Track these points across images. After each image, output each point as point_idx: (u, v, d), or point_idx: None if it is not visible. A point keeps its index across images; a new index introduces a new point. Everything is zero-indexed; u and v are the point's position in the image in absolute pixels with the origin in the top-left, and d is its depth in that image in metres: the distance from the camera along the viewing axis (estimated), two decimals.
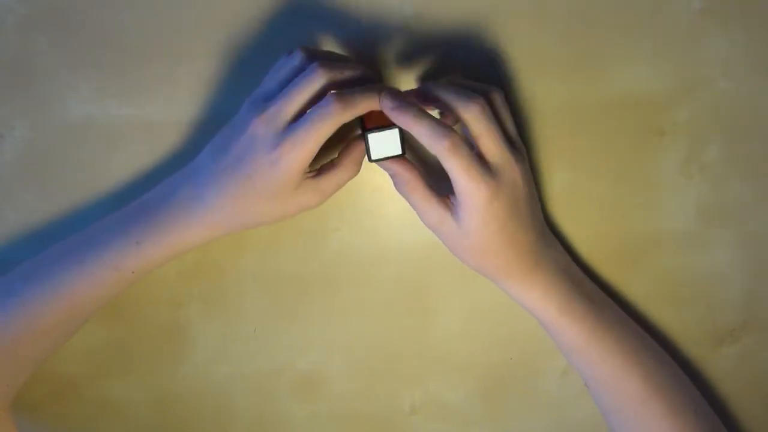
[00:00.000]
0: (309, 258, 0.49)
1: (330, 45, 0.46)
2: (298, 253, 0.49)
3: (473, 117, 0.39)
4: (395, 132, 0.41)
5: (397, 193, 0.47)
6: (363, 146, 0.42)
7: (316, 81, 0.39)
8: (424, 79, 0.47)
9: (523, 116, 0.47)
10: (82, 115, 0.46)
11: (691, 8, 0.46)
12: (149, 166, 0.47)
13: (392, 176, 0.43)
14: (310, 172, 0.41)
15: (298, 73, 0.40)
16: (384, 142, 0.41)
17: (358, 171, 0.43)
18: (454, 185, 0.40)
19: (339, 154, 0.43)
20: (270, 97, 0.40)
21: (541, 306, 0.44)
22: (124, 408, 0.51)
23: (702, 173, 0.49)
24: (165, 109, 0.46)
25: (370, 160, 0.41)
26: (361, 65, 0.41)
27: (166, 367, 0.50)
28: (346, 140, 0.44)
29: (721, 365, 0.52)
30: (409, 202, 0.43)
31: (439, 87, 0.41)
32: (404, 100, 0.39)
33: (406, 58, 0.46)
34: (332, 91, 0.39)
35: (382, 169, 0.48)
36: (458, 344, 0.51)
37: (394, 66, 0.46)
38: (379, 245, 0.49)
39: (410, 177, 0.42)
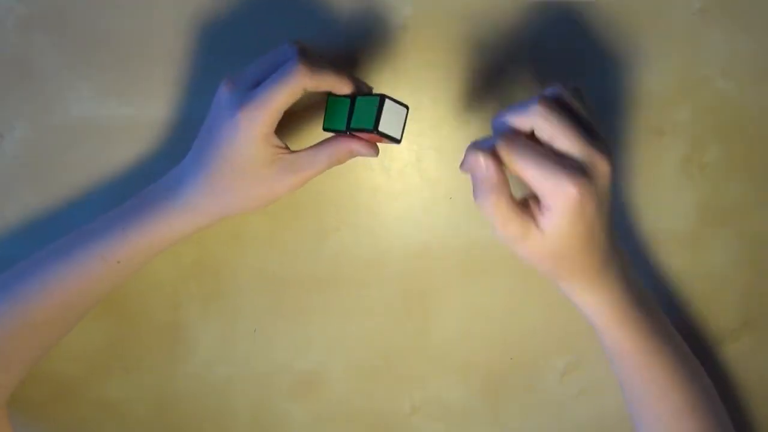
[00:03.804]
0: (309, 258, 0.49)
1: (329, 44, 0.46)
2: (298, 253, 0.49)
3: (540, 119, 0.36)
4: (403, 111, 0.39)
5: (398, 193, 0.47)
6: (350, 142, 0.41)
7: (287, 53, 0.38)
8: (424, 80, 0.47)
9: None
10: (82, 115, 0.46)
11: (691, 8, 0.46)
12: (149, 165, 0.47)
13: (477, 180, 0.37)
14: (284, 148, 0.40)
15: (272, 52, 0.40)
16: (393, 117, 0.39)
17: (338, 163, 0.41)
18: (536, 190, 0.36)
19: (326, 140, 0.41)
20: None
21: (599, 312, 0.42)
22: (124, 408, 0.51)
23: (702, 173, 0.49)
24: (165, 109, 0.46)
25: (374, 127, 0.38)
26: (341, 71, 0.40)
27: (165, 368, 0.50)
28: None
29: (721, 364, 0.52)
30: (486, 212, 0.37)
31: (497, 118, 0.38)
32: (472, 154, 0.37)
33: (406, 59, 0.46)
34: (299, 57, 0.38)
35: (383, 169, 0.48)
36: (458, 344, 0.51)
37: (394, 66, 0.46)
38: (379, 245, 0.49)
39: (498, 183, 0.36)
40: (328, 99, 0.41)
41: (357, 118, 0.40)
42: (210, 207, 0.41)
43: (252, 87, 0.39)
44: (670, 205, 0.49)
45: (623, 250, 0.43)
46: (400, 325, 0.51)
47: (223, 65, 0.46)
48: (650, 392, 0.45)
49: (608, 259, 0.40)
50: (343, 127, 0.40)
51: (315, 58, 0.39)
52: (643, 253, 0.50)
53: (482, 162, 0.36)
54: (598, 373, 0.51)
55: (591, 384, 0.52)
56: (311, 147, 0.41)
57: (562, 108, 0.36)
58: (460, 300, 0.50)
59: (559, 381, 0.52)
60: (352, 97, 0.40)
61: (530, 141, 0.36)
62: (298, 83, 0.37)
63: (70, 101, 0.46)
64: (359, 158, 0.47)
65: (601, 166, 0.36)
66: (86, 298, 0.44)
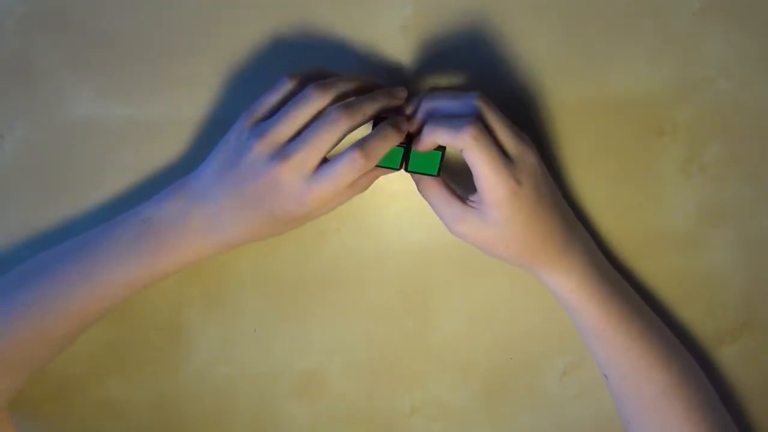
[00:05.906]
0: (309, 258, 0.49)
1: (329, 44, 0.46)
2: (298, 254, 0.49)
3: (484, 108, 0.40)
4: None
5: (398, 193, 0.47)
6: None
7: (315, 102, 0.39)
8: (424, 79, 0.47)
9: (523, 116, 0.47)
10: (82, 115, 0.46)
11: (691, 8, 0.46)
12: (150, 166, 0.47)
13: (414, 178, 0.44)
14: None
15: (297, 99, 0.39)
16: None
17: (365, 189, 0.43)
18: (477, 179, 0.40)
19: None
20: (271, 123, 0.39)
21: (571, 291, 0.44)
22: (124, 408, 0.51)
23: (702, 173, 0.49)
24: (165, 109, 0.46)
25: (406, 170, 0.42)
26: (355, 75, 0.41)
27: (166, 368, 0.50)
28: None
29: (721, 365, 0.52)
30: (431, 206, 0.43)
31: (434, 97, 0.41)
32: (409, 121, 0.41)
33: (406, 59, 0.46)
34: (336, 105, 0.39)
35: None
36: (458, 345, 0.51)
37: (394, 67, 0.46)
38: (379, 245, 0.49)
39: (432, 181, 0.42)
40: None
41: (386, 158, 0.41)
42: (243, 242, 0.43)
43: (311, 166, 0.39)
44: (670, 205, 0.49)
45: (585, 232, 0.46)
46: (400, 325, 0.51)
47: (224, 65, 0.46)
48: (632, 373, 0.45)
49: (566, 243, 0.43)
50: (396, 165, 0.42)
51: (353, 102, 0.39)
52: (643, 253, 0.50)
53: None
54: (598, 373, 0.51)
55: (591, 384, 0.52)
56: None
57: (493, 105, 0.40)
58: (460, 300, 0.50)
59: (559, 381, 0.52)
60: None
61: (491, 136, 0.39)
62: (343, 131, 0.39)
63: (70, 101, 0.46)
64: None
65: (530, 158, 0.40)
66: (104, 313, 0.44)
